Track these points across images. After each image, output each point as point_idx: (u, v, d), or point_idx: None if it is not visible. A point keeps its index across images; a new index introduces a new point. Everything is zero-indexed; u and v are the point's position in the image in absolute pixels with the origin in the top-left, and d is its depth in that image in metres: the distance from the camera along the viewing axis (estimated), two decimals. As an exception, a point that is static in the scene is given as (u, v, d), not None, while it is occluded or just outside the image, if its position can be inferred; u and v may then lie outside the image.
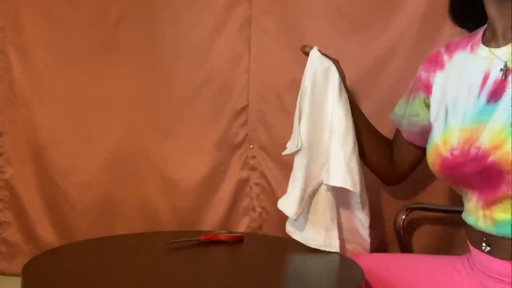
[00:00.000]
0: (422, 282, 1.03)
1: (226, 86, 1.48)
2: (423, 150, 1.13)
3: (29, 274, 0.84)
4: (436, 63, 1.10)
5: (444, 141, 0.98)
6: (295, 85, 1.46)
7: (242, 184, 1.49)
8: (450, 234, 1.36)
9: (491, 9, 0.97)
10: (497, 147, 0.88)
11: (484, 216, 0.93)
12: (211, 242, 1.13)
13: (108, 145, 1.51)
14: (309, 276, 0.96)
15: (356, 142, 1.12)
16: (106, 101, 1.51)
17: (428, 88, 1.11)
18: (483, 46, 1.00)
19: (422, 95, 1.13)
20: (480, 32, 1.04)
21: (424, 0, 1.35)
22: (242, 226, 1.47)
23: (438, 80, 1.08)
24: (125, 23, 1.49)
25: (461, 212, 1.01)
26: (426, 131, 1.09)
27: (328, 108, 1.12)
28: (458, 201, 1.06)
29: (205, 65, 1.48)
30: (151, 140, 1.50)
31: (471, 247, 0.99)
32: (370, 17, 1.40)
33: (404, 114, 1.18)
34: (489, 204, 0.92)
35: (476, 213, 0.94)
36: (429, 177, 1.38)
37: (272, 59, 1.46)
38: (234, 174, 1.49)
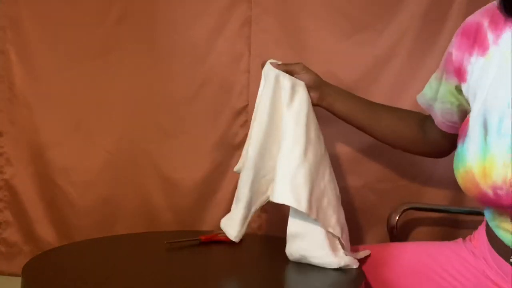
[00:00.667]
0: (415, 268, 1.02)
1: (226, 86, 1.48)
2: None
3: (29, 274, 0.84)
4: (475, 42, 0.82)
5: (483, 173, 0.75)
6: (295, 85, 1.46)
7: (242, 184, 1.49)
8: (445, 233, 1.36)
9: None
10: None
11: (502, 227, 0.84)
12: (211, 242, 1.13)
13: (108, 145, 1.51)
14: (309, 276, 0.96)
15: (307, 155, 0.98)
16: (106, 101, 1.51)
17: (461, 75, 0.86)
18: None
19: (454, 80, 0.90)
20: None
21: (424, 0, 1.35)
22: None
23: (477, 69, 0.81)
24: (125, 23, 1.49)
25: (457, 212, 1.00)
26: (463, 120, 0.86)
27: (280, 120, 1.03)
28: (453, 202, 1.05)
29: (205, 65, 1.48)
30: (151, 140, 1.50)
31: (495, 253, 0.91)
32: (370, 17, 1.40)
33: (436, 96, 0.97)
34: None
35: (507, 226, 0.81)
36: (428, 177, 1.38)
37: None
38: (234, 174, 1.49)
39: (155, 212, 1.50)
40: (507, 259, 0.86)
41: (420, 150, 1.13)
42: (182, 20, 1.49)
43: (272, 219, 1.45)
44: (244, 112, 1.47)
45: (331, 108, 1.16)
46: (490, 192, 0.74)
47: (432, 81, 1.01)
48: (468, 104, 0.87)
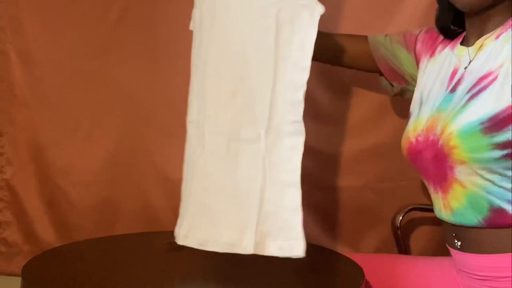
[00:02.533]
0: (424, 284, 1.03)
1: (226, 86, 1.47)
2: (376, 68, 1.20)
3: (29, 274, 0.84)
4: (431, 47, 1.11)
5: (414, 128, 1.03)
6: (295, 85, 1.46)
7: (242, 184, 1.49)
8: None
9: (465, 18, 1.04)
10: (443, 131, 0.92)
11: (445, 206, 0.96)
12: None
13: (108, 145, 1.51)
14: (310, 276, 0.96)
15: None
16: (106, 101, 1.51)
17: (418, 63, 1.14)
18: (459, 45, 1.03)
19: (412, 56, 1.16)
20: (463, 34, 1.08)
21: (424, 1, 1.35)
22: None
23: (423, 66, 1.11)
24: (125, 23, 1.49)
25: None
26: (394, 70, 1.17)
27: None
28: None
29: (205, 65, 1.47)
30: (151, 140, 1.50)
31: (448, 248, 1.01)
32: (370, 17, 1.40)
33: (387, 46, 1.19)
34: (445, 192, 0.95)
35: (440, 204, 0.98)
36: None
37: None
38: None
39: (155, 212, 1.50)
40: (453, 246, 0.97)
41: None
42: (182, 20, 1.48)
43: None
44: (244, 112, 1.47)
45: None
46: (413, 141, 1.00)
47: (389, 37, 1.19)
48: (412, 78, 1.15)
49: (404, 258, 1.23)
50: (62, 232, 1.52)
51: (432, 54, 1.10)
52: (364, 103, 1.43)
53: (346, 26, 1.41)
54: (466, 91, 0.93)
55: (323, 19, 1.44)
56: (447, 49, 1.07)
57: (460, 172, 0.91)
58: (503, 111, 0.85)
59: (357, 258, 1.06)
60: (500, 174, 0.87)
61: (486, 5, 0.96)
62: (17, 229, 1.55)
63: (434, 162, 0.95)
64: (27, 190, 1.54)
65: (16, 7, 1.51)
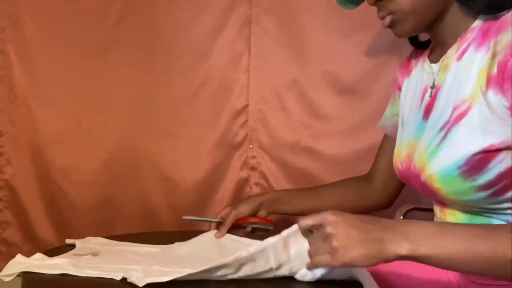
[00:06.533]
0: (423, 282, 1.03)
1: (226, 86, 1.48)
2: None
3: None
4: (407, 68, 1.05)
5: (398, 153, 0.99)
6: (295, 85, 1.47)
7: (242, 184, 1.49)
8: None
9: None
10: (422, 169, 0.88)
11: (441, 218, 0.94)
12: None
13: (108, 145, 1.51)
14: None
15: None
16: (106, 101, 1.51)
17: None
18: (427, 60, 0.97)
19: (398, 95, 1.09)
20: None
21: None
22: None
23: (404, 88, 1.04)
24: (125, 23, 1.49)
25: None
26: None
27: None
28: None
29: (205, 65, 1.48)
30: (151, 140, 1.50)
31: None
32: (370, 17, 1.39)
33: (391, 115, 1.12)
34: (442, 207, 0.93)
35: (438, 213, 0.96)
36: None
37: (272, 59, 1.46)
38: (234, 174, 1.49)
39: (155, 212, 1.50)
40: None
41: (369, 203, 1.17)
42: (182, 20, 1.49)
43: (272, 218, 1.44)
44: (244, 112, 1.47)
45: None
46: (400, 167, 0.97)
47: (387, 108, 1.13)
48: None
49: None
50: (62, 232, 1.52)
51: (408, 73, 1.04)
52: (364, 103, 1.43)
53: (346, 26, 1.41)
54: (439, 128, 0.86)
55: (323, 19, 1.45)
56: (420, 63, 1.00)
57: (453, 203, 0.88)
58: (478, 153, 0.79)
59: None
60: (493, 209, 0.84)
61: (421, 30, 0.91)
62: (17, 229, 1.55)
63: (424, 191, 0.91)
64: (27, 190, 1.54)
65: (16, 7, 1.52)
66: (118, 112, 1.51)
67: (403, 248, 0.71)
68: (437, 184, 0.85)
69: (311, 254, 0.76)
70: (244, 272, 0.84)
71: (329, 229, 0.73)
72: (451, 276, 1.00)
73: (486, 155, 0.79)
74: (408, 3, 0.86)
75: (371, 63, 1.41)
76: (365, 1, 0.96)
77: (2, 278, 0.82)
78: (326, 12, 1.42)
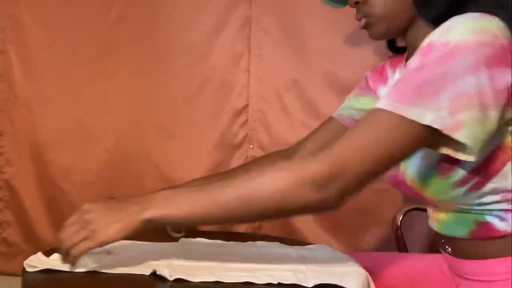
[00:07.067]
0: (415, 280, 1.03)
1: (226, 86, 1.48)
2: None
3: (29, 274, 0.84)
4: (381, 76, 1.07)
5: None
6: (295, 85, 1.47)
7: (242, 184, 1.49)
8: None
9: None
10: (404, 173, 0.91)
11: (433, 218, 0.97)
12: (218, 233, 1.12)
13: (108, 145, 1.51)
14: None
15: None
16: (106, 101, 1.51)
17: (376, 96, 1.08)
18: (403, 67, 0.97)
19: (371, 95, 1.09)
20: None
21: None
22: (242, 226, 1.47)
23: (382, 95, 1.04)
24: (125, 23, 1.49)
25: None
26: None
27: None
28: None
29: (205, 65, 1.48)
30: (151, 140, 1.50)
31: (440, 250, 1.01)
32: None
33: (349, 105, 1.11)
34: (433, 208, 0.96)
35: (430, 213, 0.99)
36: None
37: (272, 59, 1.46)
38: (234, 174, 1.49)
39: (155, 212, 1.50)
40: (445, 250, 0.96)
41: None
42: (182, 20, 1.49)
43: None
44: (244, 112, 1.47)
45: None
46: (389, 175, 0.96)
47: (350, 99, 1.11)
48: None
49: (402, 255, 1.24)
50: (62, 232, 1.52)
51: (385, 81, 1.06)
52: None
53: (346, 26, 1.41)
54: None
55: (323, 19, 1.45)
56: (398, 70, 1.02)
57: (439, 203, 0.91)
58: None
59: (357, 256, 1.06)
60: (475, 204, 0.86)
61: (394, 34, 0.93)
62: (17, 229, 1.55)
63: (413, 195, 0.94)
64: (27, 190, 1.54)
65: (16, 7, 1.52)
66: (118, 113, 1.51)
67: (148, 214, 0.77)
68: (419, 187, 0.89)
69: (68, 247, 0.80)
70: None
71: (86, 216, 0.79)
72: (446, 272, 1.01)
73: None
74: (381, 7, 0.90)
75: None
76: None
77: (25, 266, 0.85)
78: (326, 12, 1.42)
